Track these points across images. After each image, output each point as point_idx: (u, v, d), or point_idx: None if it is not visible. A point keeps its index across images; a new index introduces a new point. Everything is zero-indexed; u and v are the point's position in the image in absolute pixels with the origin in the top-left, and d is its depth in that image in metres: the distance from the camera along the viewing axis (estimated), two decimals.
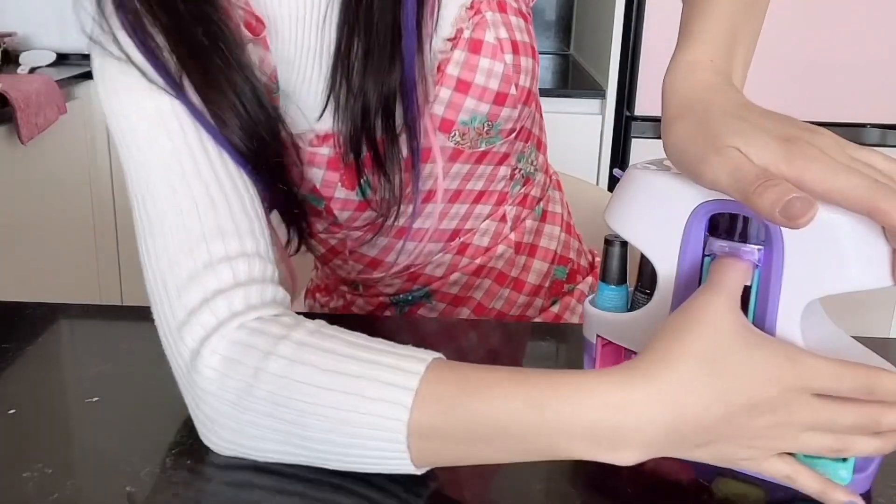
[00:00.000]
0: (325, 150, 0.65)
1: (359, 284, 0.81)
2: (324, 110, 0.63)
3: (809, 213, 0.37)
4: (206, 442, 0.50)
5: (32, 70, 1.93)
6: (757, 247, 0.44)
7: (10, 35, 2.08)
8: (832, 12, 1.75)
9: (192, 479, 0.48)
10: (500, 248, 0.78)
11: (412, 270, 0.76)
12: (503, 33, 0.65)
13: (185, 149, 0.54)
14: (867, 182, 0.37)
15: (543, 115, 0.83)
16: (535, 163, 0.79)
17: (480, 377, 0.45)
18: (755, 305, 0.45)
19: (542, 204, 0.81)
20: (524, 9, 0.69)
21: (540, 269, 0.80)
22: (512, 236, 0.79)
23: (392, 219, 0.67)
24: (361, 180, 0.66)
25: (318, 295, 0.91)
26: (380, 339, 0.48)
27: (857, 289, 0.41)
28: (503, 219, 0.77)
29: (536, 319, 0.82)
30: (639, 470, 0.45)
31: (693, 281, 0.47)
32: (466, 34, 0.64)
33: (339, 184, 0.66)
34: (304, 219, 0.68)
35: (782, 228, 0.41)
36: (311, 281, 0.95)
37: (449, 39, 0.65)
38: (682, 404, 0.41)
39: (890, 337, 1.71)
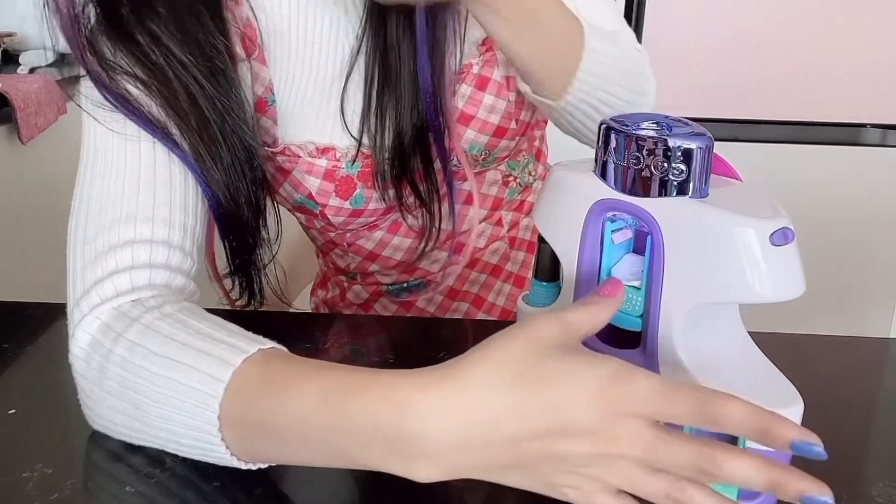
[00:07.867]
0: (323, 162, 0.66)
1: (356, 274, 0.82)
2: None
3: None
4: (86, 418, 0.51)
5: (32, 70, 1.92)
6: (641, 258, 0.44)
7: (10, 35, 2.08)
8: (832, 12, 1.75)
9: (192, 479, 0.48)
10: (494, 245, 0.79)
11: (409, 263, 0.77)
12: (512, 71, 0.66)
13: (134, 137, 0.55)
14: None
15: (547, 122, 0.83)
16: (533, 173, 0.80)
17: (286, 370, 0.42)
18: (643, 310, 0.44)
19: None
20: None
21: None
22: (507, 234, 0.80)
23: (432, 242, 0.69)
24: (355, 193, 0.68)
25: (318, 291, 0.92)
26: (232, 328, 0.48)
27: (733, 300, 0.40)
28: (499, 223, 0.79)
29: None
30: None
31: (592, 276, 0.47)
32: (475, 70, 0.65)
33: (334, 193, 0.68)
34: (258, 273, 0.67)
35: (664, 236, 0.41)
36: (317, 276, 0.96)
37: (457, 73, 0.65)
38: (475, 413, 0.36)
39: (890, 337, 1.71)
